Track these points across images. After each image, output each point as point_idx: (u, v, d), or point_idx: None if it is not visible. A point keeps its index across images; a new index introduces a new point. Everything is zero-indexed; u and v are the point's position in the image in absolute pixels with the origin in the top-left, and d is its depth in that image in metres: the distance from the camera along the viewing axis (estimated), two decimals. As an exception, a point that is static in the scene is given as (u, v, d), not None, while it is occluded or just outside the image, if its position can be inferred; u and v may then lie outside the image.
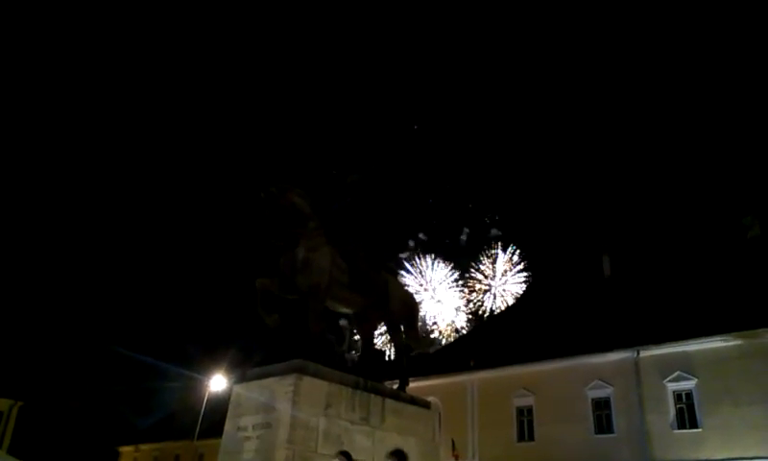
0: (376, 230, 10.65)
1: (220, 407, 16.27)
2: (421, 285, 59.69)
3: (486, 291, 60.33)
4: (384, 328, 11.35)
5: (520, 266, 60.52)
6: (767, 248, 28.10)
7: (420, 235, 63.96)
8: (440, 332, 57.77)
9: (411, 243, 63.48)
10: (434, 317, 59.78)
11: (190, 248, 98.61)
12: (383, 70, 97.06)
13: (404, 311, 10.65)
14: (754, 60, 69.38)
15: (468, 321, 59.51)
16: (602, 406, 26.22)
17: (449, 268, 61.78)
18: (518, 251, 61.32)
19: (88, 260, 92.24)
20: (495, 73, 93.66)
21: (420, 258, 62.32)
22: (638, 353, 25.35)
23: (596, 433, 25.92)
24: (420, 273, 61.82)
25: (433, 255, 62.40)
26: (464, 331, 57.35)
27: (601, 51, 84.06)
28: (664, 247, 36.73)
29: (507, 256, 61.25)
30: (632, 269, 34.10)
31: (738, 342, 22.90)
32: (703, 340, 23.74)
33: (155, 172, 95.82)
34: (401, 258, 59.84)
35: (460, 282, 61.23)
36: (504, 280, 60.54)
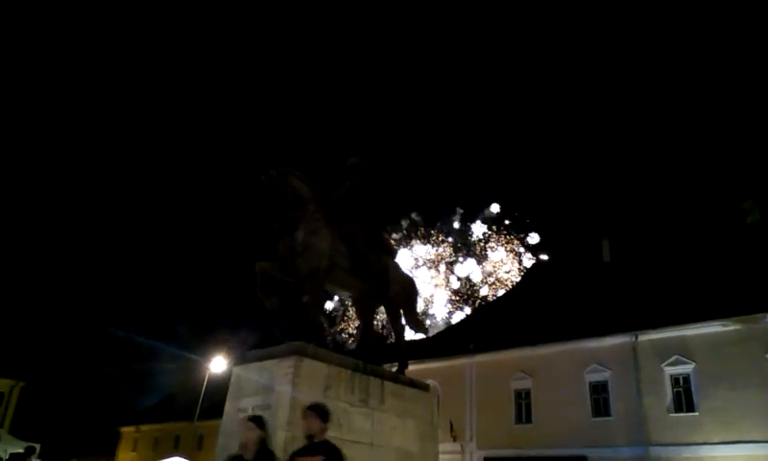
0: (377, 214, 10.64)
1: (220, 389, 16.37)
2: (411, 268, 59.70)
3: (473, 287, 60.52)
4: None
5: (518, 249, 60.64)
6: (767, 233, 28.13)
7: (414, 215, 63.79)
8: (425, 314, 57.64)
9: (404, 223, 63.41)
10: (428, 300, 59.89)
11: (191, 231, 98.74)
12: (380, 55, 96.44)
13: (404, 295, 10.67)
14: (755, 46, 68.96)
15: (459, 302, 59.57)
16: (600, 390, 26.40)
17: (443, 248, 61.92)
18: (516, 234, 61.44)
19: (89, 243, 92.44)
20: (497, 58, 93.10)
21: (413, 238, 62.52)
22: (636, 338, 25.49)
23: (594, 416, 26.13)
24: (413, 256, 61.99)
25: (427, 234, 62.47)
26: (454, 314, 57.65)
27: (602, 36, 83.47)
28: (664, 231, 36.88)
29: (503, 239, 61.31)
30: (631, 253, 34.23)
31: (736, 327, 23.00)
32: (701, 325, 23.83)
33: (153, 154, 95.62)
34: (395, 239, 59.80)
35: (452, 265, 61.28)
36: (500, 263, 60.61)
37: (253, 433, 5.69)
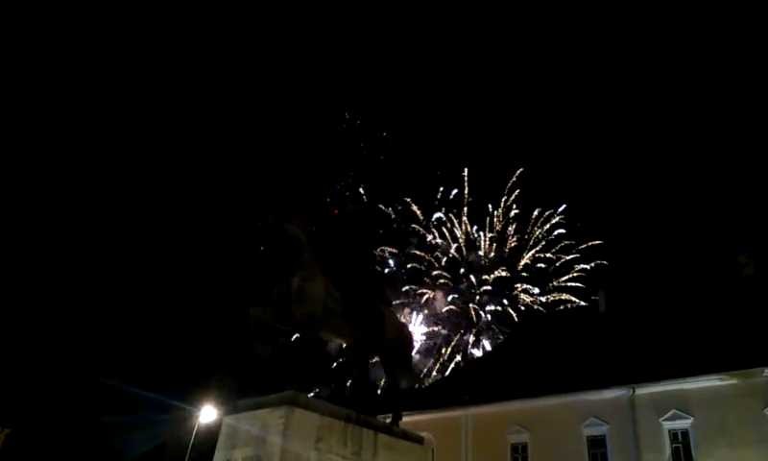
0: (373, 261, 10.63)
1: (210, 439, 16.08)
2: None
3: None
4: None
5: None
6: (762, 286, 28.13)
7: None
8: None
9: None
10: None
11: (182, 277, 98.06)
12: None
13: (399, 344, 10.57)
14: (750, 103, 70.41)
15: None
16: (597, 444, 25.90)
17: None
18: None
19: (79, 290, 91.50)
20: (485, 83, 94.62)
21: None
22: (634, 391, 25.18)
23: (591, 472, 25.57)
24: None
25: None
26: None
27: (591, 89, 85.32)
28: (660, 284, 36.75)
29: None
30: (627, 306, 34.06)
31: (734, 381, 22.78)
32: (699, 378, 23.59)
33: (147, 196, 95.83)
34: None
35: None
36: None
37: None
